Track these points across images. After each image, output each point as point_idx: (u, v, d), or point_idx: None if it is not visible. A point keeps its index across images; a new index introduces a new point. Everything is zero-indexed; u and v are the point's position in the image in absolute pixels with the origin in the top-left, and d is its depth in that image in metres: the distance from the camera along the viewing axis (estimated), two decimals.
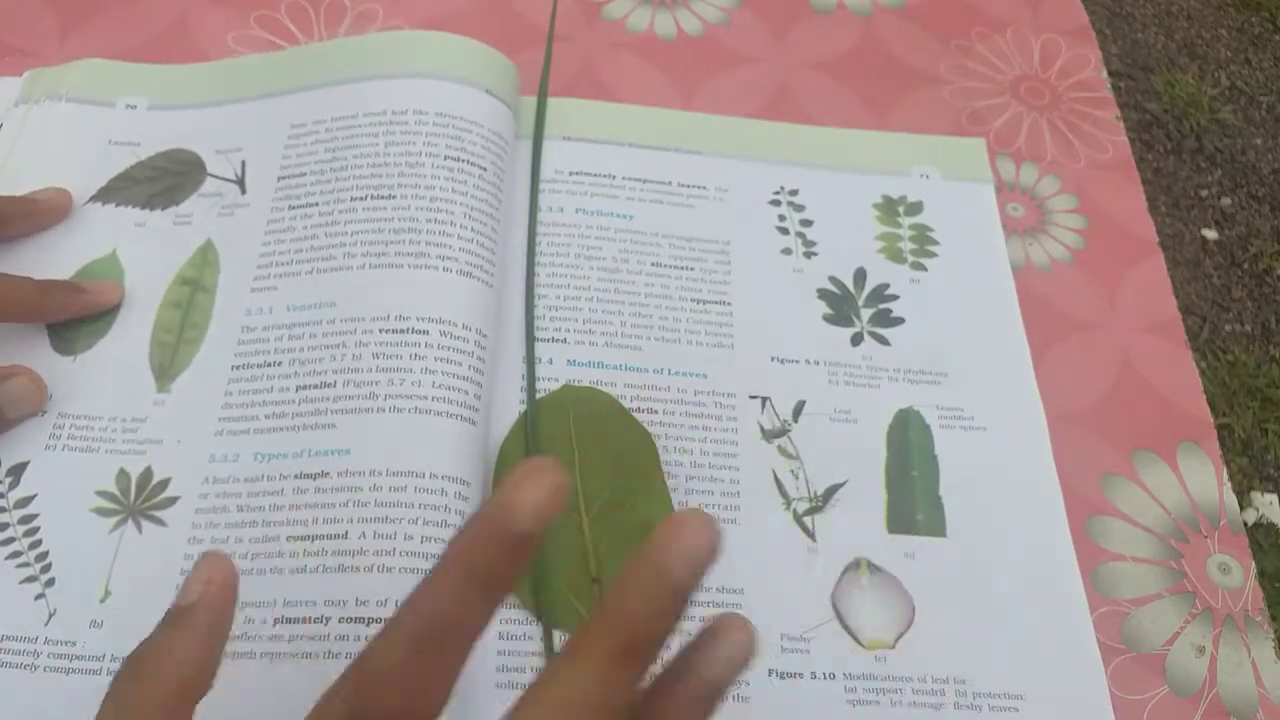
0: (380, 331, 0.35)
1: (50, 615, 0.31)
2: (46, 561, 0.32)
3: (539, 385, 0.38)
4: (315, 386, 0.35)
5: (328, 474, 0.33)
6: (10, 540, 0.33)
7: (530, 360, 0.38)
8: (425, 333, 0.35)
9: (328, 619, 0.30)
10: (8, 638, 0.31)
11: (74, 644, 0.31)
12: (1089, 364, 0.41)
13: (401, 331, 0.35)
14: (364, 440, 0.33)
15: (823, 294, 0.42)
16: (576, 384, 0.37)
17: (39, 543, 0.33)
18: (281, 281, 0.37)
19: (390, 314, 0.36)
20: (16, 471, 0.34)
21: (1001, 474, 0.38)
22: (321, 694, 0.20)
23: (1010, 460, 0.38)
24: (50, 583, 0.32)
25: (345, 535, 0.32)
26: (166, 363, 0.37)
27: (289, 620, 0.31)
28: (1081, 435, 0.39)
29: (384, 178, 0.39)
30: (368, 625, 0.30)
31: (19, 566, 0.32)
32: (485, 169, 0.40)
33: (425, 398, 0.34)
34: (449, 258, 0.37)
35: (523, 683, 0.32)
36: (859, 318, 0.41)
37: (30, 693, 0.30)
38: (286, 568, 0.32)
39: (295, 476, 0.33)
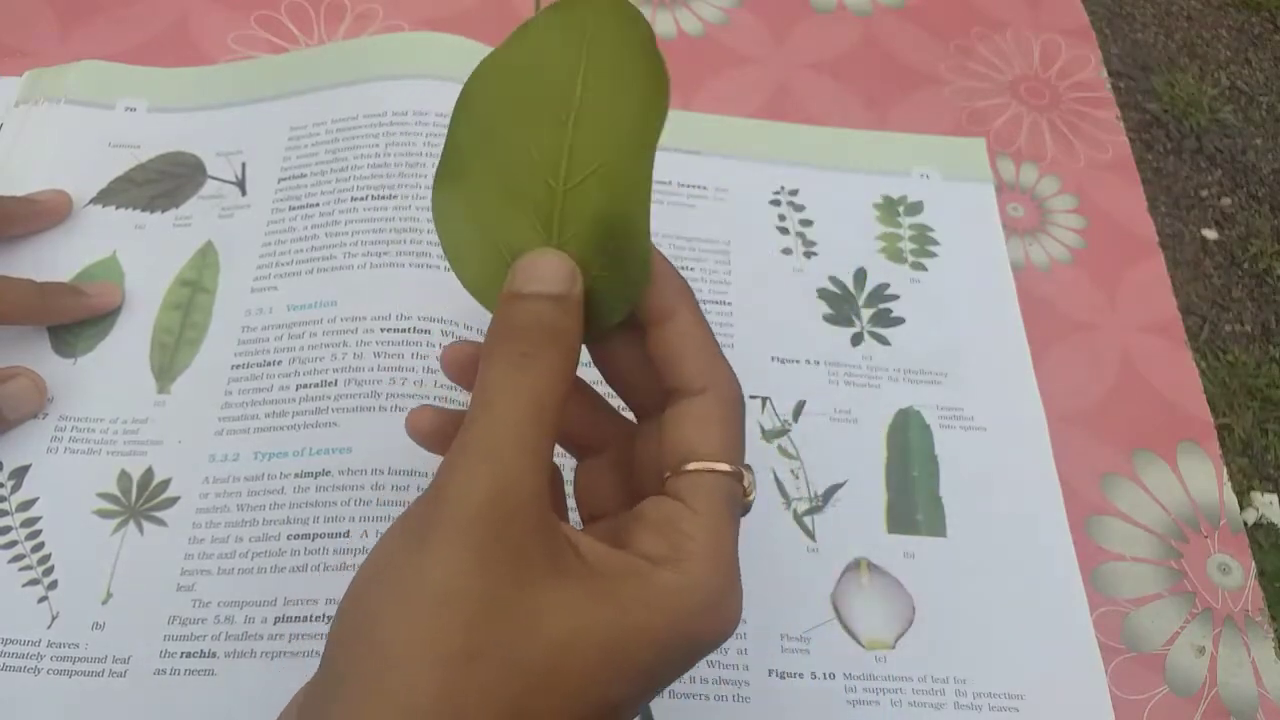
0: (382, 330, 0.35)
1: (53, 618, 0.31)
2: (49, 564, 0.32)
3: None
4: (316, 385, 0.35)
5: (328, 472, 0.33)
6: (13, 544, 0.33)
7: None
8: (427, 332, 0.35)
9: (329, 618, 0.30)
10: (11, 641, 0.31)
11: (77, 646, 0.31)
12: (1089, 364, 0.41)
13: (403, 330, 0.35)
14: (365, 439, 0.33)
15: (823, 294, 0.42)
16: None
17: (41, 545, 0.33)
18: (282, 281, 0.38)
19: (392, 313, 0.36)
20: (19, 475, 0.34)
21: (1001, 474, 0.38)
22: None
23: (1010, 460, 0.38)
24: (53, 585, 0.32)
25: (347, 534, 0.32)
26: (167, 364, 0.37)
27: (290, 619, 0.31)
28: (1081, 435, 0.40)
29: (384, 178, 0.39)
30: None
31: (22, 570, 0.32)
32: None
33: (427, 397, 0.34)
34: None
35: None
36: (859, 318, 0.41)
37: (33, 696, 0.30)
38: (287, 566, 0.32)
39: (296, 475, 0.33)
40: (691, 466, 0.22)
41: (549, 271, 0.22)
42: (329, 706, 0.19)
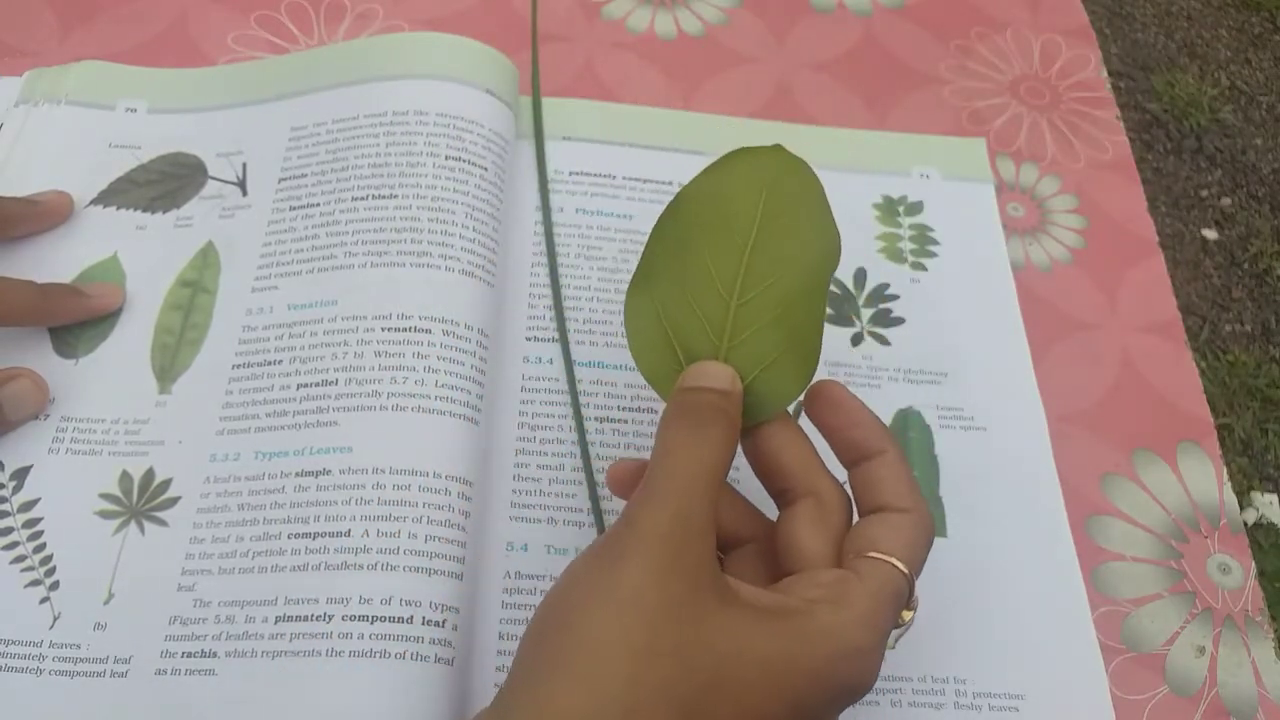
0: (382, 330, 0.35)
1: (55, 619, 0.31)
2: (51, 565, 0.32)
3: (539, 384, 0.38)
4: (317, 385, 0.35)
5: (329, 471, 0.33)
6: (15, 544, 0.33)
7: (568, 362, 0.38)
8: (428, 331, 0.35)
9: (330, 617, 0.30)
10: (13, 642, 0.31)
11: (78, 647, 0.31)
12: (1089, 364, 0.41)
13: (404, 330, 0.35)
14: (366, 438, 0.33)
15: None
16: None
17: (43, 546, 0.33)
18: (283, 281, 0.38)
19: (392, 313, 0.36)
20: (20, 475, 0.34)
21: (1001, 474, 0.38)
22: None
23: (1010, 460, 0.39)
24: (54, 586, 0.32)
25: (348, 533, 0.32)
26: (168, 364, 0.37)
27: (291, 619, 0.31)
28: (1081, 435, 0.40)
29: (385, 178, 0.39)
30: (371, 623, 0.30)
31: (24, 570, 0.32)
32: (486, 169, 0.40)
33: (428, 396, 0.34)
34: (451, 257, 0.37)
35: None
36: (859, 318, 0.41)
37: (35, 696, 0.30)
38: (288, 565, 0.32)
39: (296, 474, 0.33)
40: (872, 554, 0.26)
41: (716, 372, 0.28)
42: (534, 690, 0.22)
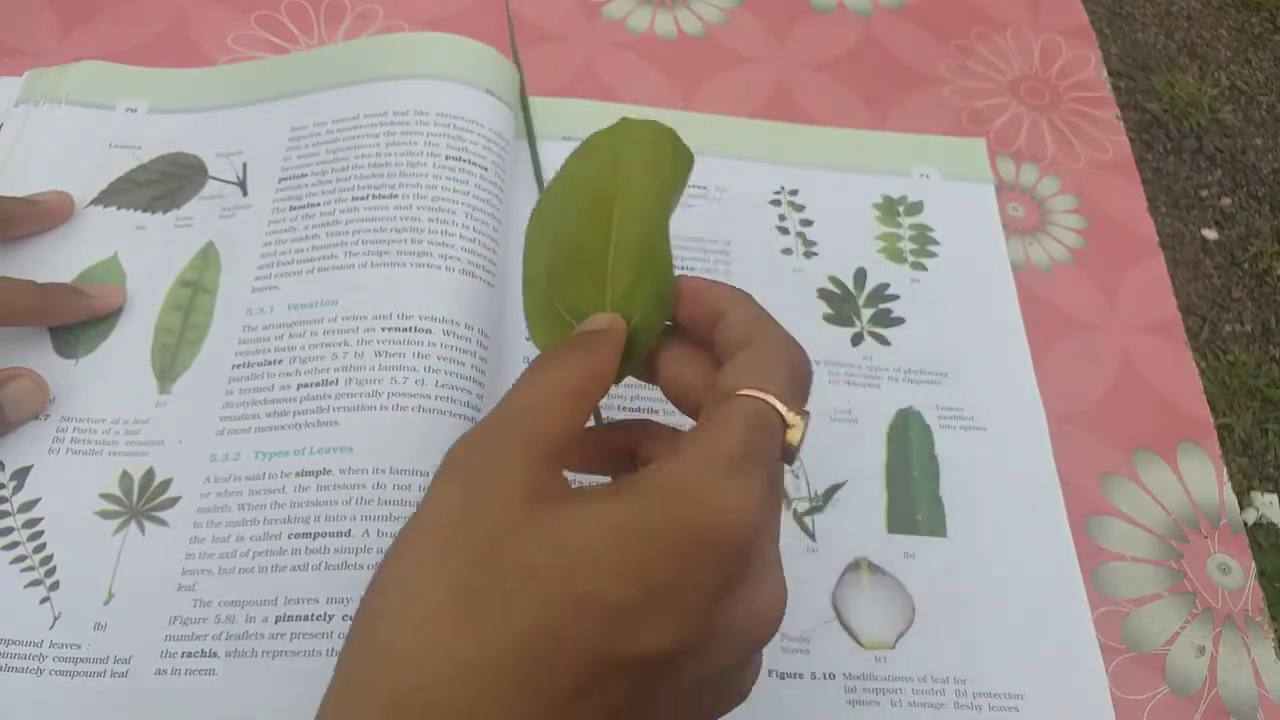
0: (383, 330, 0.35)
1: (55, 619, 0.31)
2: (51, 565, 0.32)
3: None
4: (317, 384, 0.35)
5: (329, 471, 0.33)
6: (15, 544, 0.33)
7: None
8: (429, 331, 0.35)
9: (330, 616, 0.31)
10: (14, 642, 0.31)
11: (79, 647, 0.31)
12: (1089, 364, 0.41)
13: (404, 330, 0.35)
14: (366, 438, 0.33)
15: (823, 294, 0.42)
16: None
17: (43, 546, 0.33)
18: (283, 281, 0.38)
19: (393, 312, 0.36)
20: (20, 475, 0.34)
21: (1001, 474, 0.38)
22: None
23: (1010, 460, 0.39)
24: (55, 586, 0.32)
25: (348, 533, 0.32)
26: (168, 364, 0.37)
27: (291, 619, 0.31)
28: (1081, 435, 0.40)
29: (385, 178, 0.39)
30: None
31: (24, 570, 0.32)
32: (486, 169, 0.40)
33: (429, 396, 0.34)
34: (451, 257, 0.37)
35: None
36: (859, 318, 0.41)
37: (36, 697, 0.30)
38: (288, 565, 0.32)
39: (297, 474, 0.33)
40: (721, 398, 0.24)
41: (594, 318, 0.27)
42: (373, 640, 0.21)
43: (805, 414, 0.24)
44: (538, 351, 0.38)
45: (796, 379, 0.25)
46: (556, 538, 0.20)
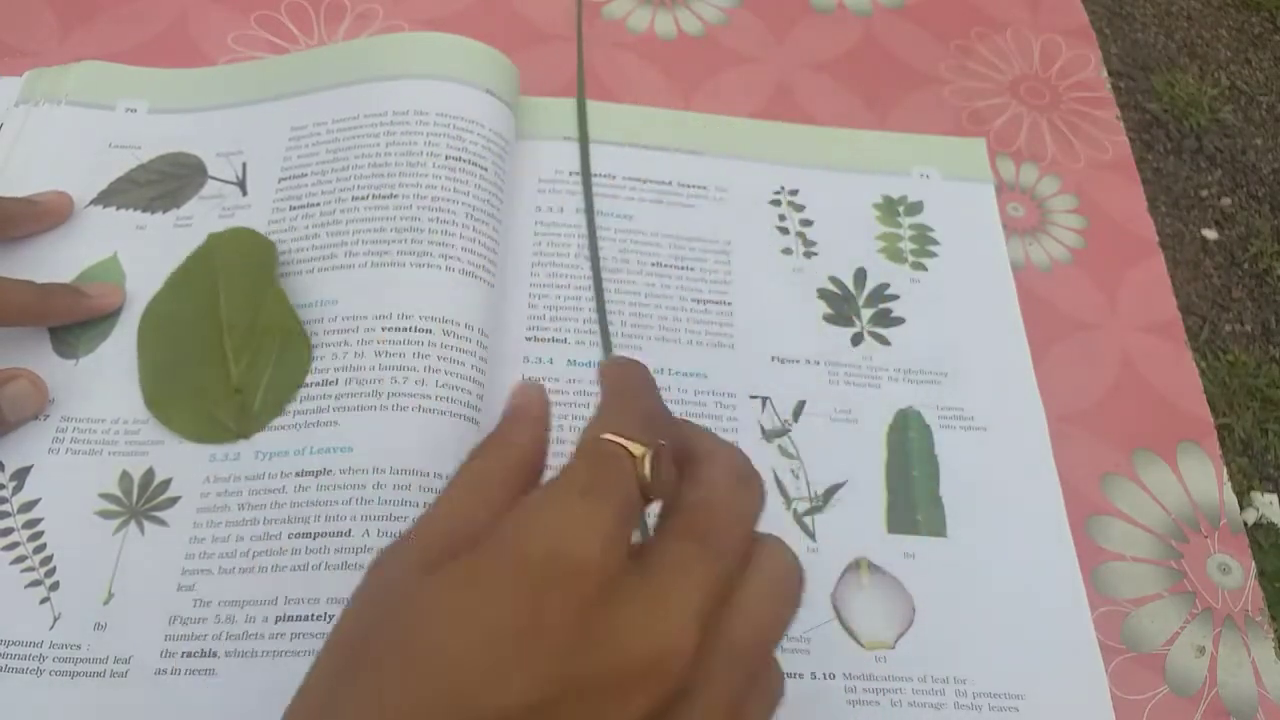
0: (383, 330, 0.35)
1: (55, 619, 0.31)
2: (51, 566, 0.32)
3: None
4: (317, 384, 0.35)
5: (329, 471, 0.33)
6: (15, 545, 0.33)
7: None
8: (429, 331, 0.35)
9: (330, 616, 0.31)
10: (13, 642, 0.31)
11: (79, 647, 0.31)
12: (1089, 364, 0.42)
13: (404, 330, 0.35)
14: (366, 438, 0.33)
15: (823, 294, 0.42)
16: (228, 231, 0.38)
17: (43, 547, 0.33)
18: (283, 280, 0.38)
19: (393, 312, 0.36)
20: (20, 476, 0.34)
21: (1001, 474, 0.38)
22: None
23: (1010, 460, 0.39)
24: (55, 587, 0.32)
25: (348, 533, 0.32)
26: None
27: (291, 618, 0.31)
28: (1081, 435, 0.40)
29: (385, 178, 0.39)
30: None
31: (24, 571, 0.32)
32: (486, 169, 0.40)
33: (429, 396, 0.34)
34: (451, 257, 0.37)
35: None
36: (859, 318, 0.41)
37: (36, 697, 0.30)
38: (288, 565, 0.32)
39: (296, 474, 0.33)
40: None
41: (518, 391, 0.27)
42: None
43: (659, 445, 0.23)
44: (537, 351, 0.39)
45: (648, 415, 0.25)
46: (426, 604, 0.21)
